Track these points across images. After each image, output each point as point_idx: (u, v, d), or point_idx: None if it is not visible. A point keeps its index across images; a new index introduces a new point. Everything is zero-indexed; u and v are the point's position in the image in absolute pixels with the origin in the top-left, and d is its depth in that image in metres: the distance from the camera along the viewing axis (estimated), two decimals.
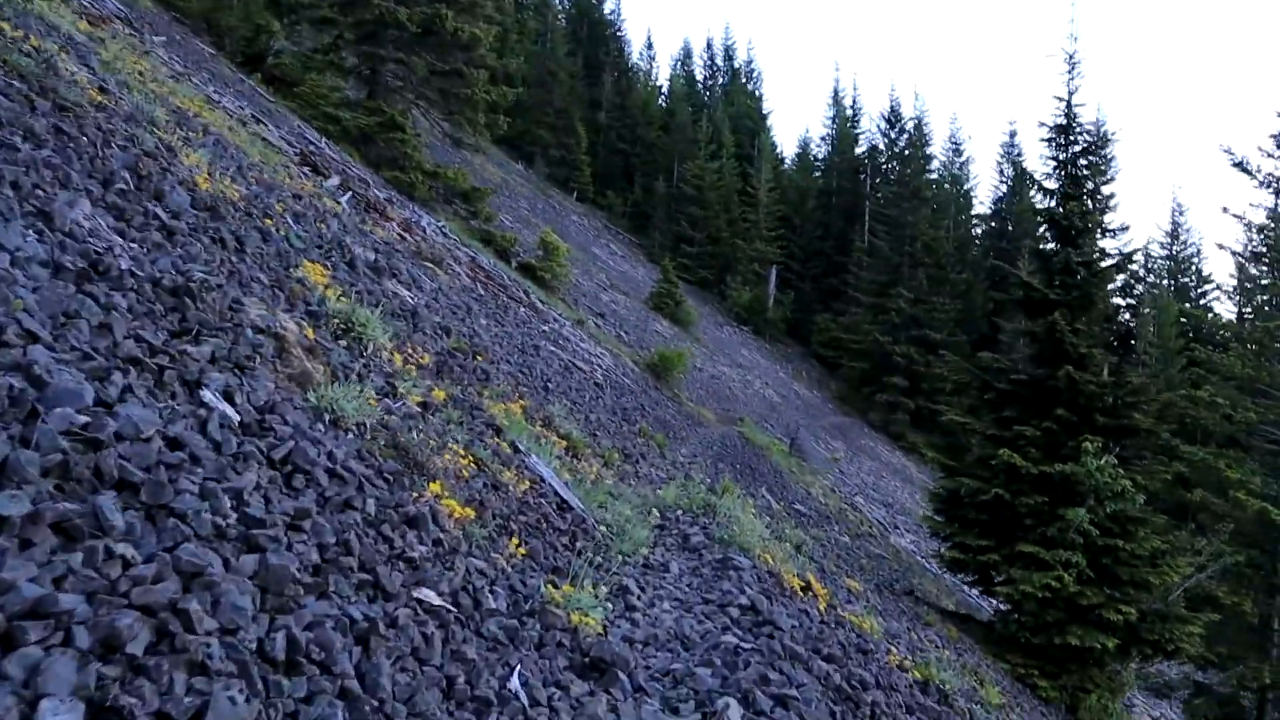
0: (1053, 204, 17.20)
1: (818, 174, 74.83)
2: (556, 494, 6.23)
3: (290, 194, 9.45)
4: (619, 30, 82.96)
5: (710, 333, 46.24)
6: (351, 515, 3.80)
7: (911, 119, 62.87)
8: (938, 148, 69.66)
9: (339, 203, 13.48)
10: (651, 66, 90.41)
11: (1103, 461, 13.95)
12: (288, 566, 3.02)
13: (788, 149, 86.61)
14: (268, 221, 6.71)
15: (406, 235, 14.64)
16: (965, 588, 22.66)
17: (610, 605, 4.93)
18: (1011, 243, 62.77)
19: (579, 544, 5.59)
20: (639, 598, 5.41)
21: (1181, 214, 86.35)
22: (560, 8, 79.78)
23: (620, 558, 5.94)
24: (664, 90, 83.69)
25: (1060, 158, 17.27)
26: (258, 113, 16.22)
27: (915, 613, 13.38)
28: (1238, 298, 63.41)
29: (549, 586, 4.61)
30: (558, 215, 49.89)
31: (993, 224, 68.87)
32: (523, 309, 16.80)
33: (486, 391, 7.71)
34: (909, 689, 6.56)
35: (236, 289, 4.82)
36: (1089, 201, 16.77)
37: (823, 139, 77.34)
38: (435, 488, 4.52)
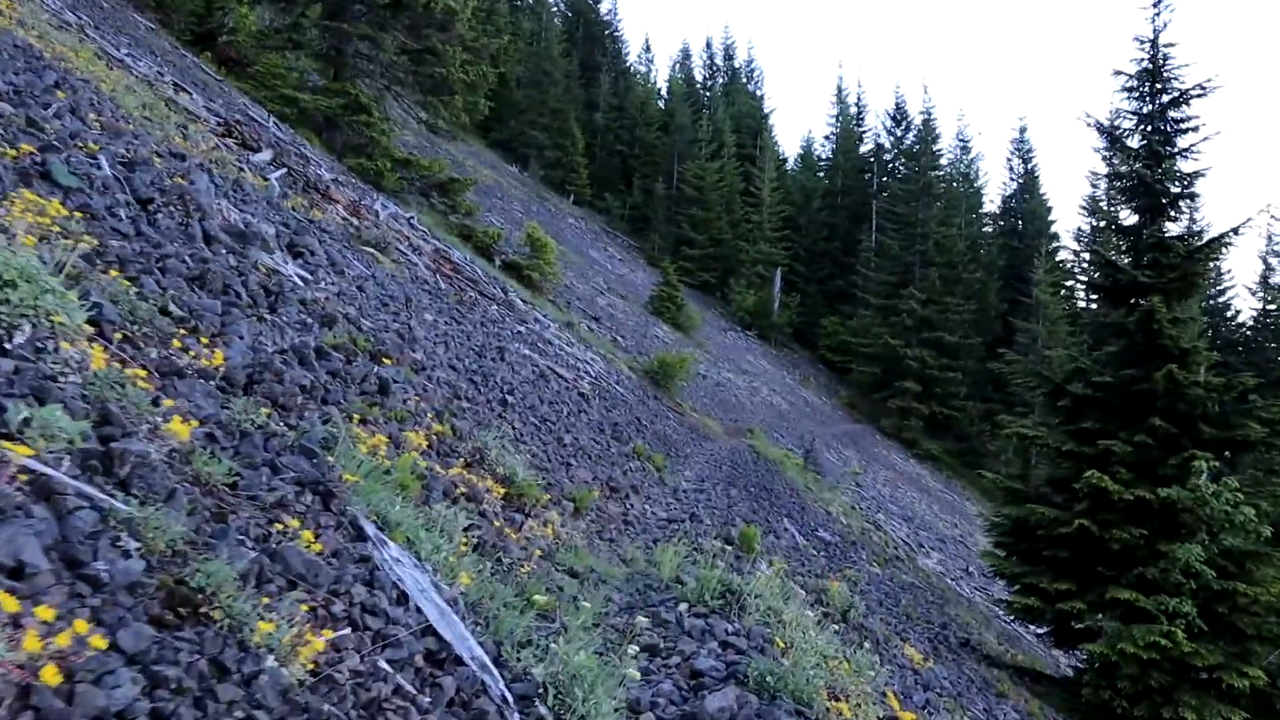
0: (1137, 166, 14.24)
1: (822, 174, 72.48)
2: (433, 630, 3.42)
3: (157, 148, 7.10)
4: (616, 31, 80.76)
5: (714, 338, 43.88)
6: None
7: (920, 114, 60.41)
8: (945, 144, 67.33)
9: (266, 179, 11.16)
10: (650, 69, 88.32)
11: (1220, 485, 11.35)
12: None
13: (790, 150, 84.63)
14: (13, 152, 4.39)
15: (354, 219, 12.30)
16: (999, 610, 20.29)
17: None
18: (1023, 241, 60.51)
19: None
20: None
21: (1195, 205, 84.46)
22: (556, 9, 77.55)
23: None
24: (662, 94, 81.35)
25: (1145, 110, 14.32)
26: (185, 83, 13.90)
27: (984, 679, 10.90)
28: (1260, 293, 61.43)
29: None
30: (553, 219, 47.58)
31: (1002, 223, 66.57)
32: (495, 307, 14.40)
33: (366, 414, 5.16)
34: None
35: None
36: (1181, 163, 14.10)
37: (826, 138, 75.06)
38: None
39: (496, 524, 5.57)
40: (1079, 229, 61.03)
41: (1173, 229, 13.92)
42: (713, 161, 61.87)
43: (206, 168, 7.86)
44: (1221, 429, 13.05)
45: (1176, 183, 13.92)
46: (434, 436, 6.06)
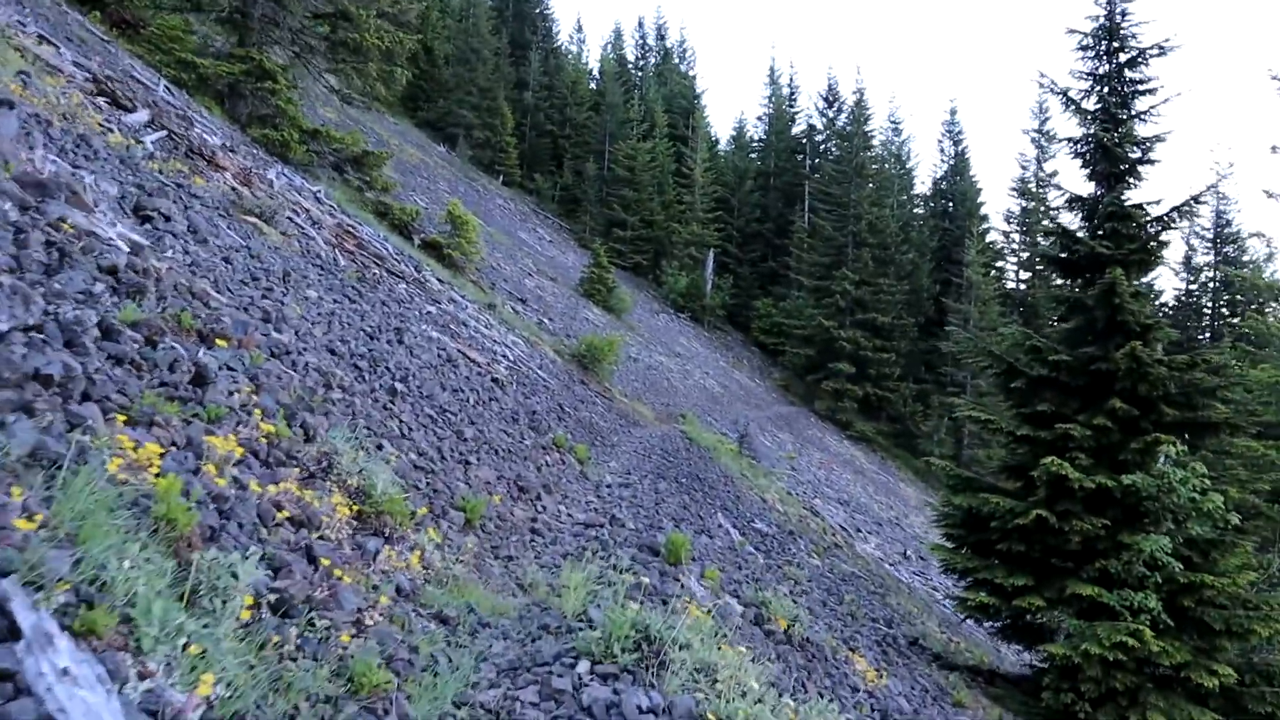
0: (1094, 129, 13.37)
1: (755, 155, 71.89)
2: None
3: None
4: (546, 9, 79.20)
5: (645, 320, 43.02)
6: None
7: (853, 94, 60.07)
8: (877, 125, 67.12)
9: (138, 140, 9.93)
10: (581, 49, 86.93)
11: (1187, 471, 10.70)
12: None
13: (723, 131, 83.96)
14: None
15: (243, 188, 11.11)
16: (940, 597, 19.80)
17: None
18: (954, 223, 60.61)
19: None
20: None
21: None
22: None
23: None
24: (594, 73, 79.96)
25: (1101, 71, 13.53)
26: (56, 38, 12.49)
27: (939, 685, 10.17)
28: (1184, 274, 62.37)
29: None
30: (481, 199, 46.21)
31: (934, 204, 66.67)
32: (404, 286, 13.28)
33: (158, 412, 3.88)
34: None
35: None
36: (1140, 127, 13.38)
37: (759, 119, 74.44)
38: None
39: (326, 562, 4.11)
40: (1009, 210, 61.28)
41: (1133, 198, 13.26)
42: (644, 142, 60.91)
43: (43, 119, 6.70)
44: (1184, 410, 12.30)
45: (1136, 148, 13.27)
46: (261, 441, 4.70)
